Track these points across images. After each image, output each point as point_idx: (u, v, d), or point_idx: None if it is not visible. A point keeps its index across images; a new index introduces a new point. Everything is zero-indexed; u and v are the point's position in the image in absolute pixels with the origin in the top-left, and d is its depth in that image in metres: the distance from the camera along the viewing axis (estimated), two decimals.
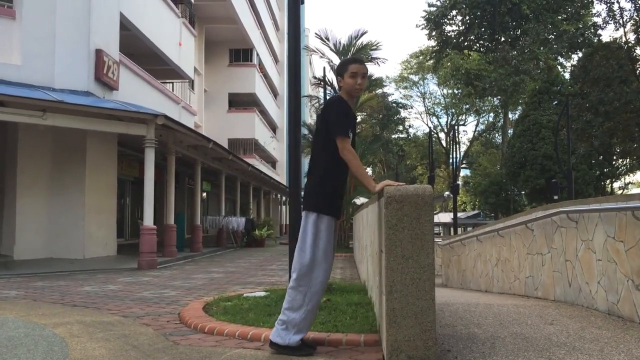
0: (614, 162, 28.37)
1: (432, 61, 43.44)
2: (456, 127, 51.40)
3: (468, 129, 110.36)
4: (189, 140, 14.37)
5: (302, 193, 3.67)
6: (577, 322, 4.38)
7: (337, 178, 3.47)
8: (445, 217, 47.51)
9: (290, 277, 3.51)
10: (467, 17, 39.33)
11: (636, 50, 25.58)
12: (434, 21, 39.97)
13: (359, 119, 25.91)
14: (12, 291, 6.94)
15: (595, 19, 35.00)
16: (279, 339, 3.38)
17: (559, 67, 35.77)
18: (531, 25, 34.67)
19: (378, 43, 20.67)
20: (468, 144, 53.72)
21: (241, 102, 29.79)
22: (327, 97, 22.89)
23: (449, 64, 38.81)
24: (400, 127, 50.43)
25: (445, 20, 40.33)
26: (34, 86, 11.43)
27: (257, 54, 29.68)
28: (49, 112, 10.22)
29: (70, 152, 12.60)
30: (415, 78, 52.62)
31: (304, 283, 3.38)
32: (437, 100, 52.66)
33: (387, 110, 43.32)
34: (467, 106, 47.19)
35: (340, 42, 20.70)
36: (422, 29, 41.16)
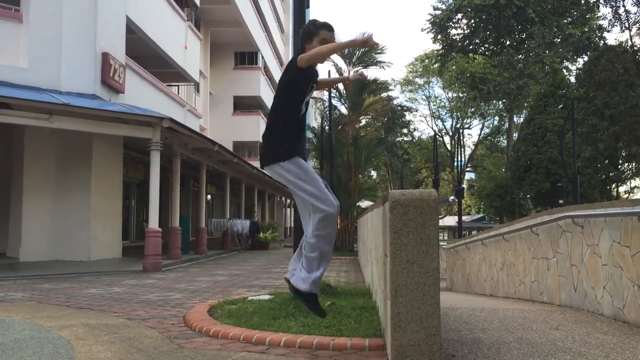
0: (619, 166, 28.27)
1: (437, 64, 43.43)
2: (461, 131, 51.37)
3: (473, 133, 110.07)
4: (194, 143, 14.41)
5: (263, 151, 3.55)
6: (582, 327, 4.37)
7: (288, 121, 3.49)
8: (450, 221, 47.45)
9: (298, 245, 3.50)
10: (472, 21, 39.34)
11: None
12: (439, 24, 40.01)
13: (363, 122, 25.85)
14: (18, 293, 6.97)
15: (600, 22, 35.02)
16: (306, 286, 3.40)
17: (565, 70, 35.69)
18: (537, 28, 34.62)
19: (383, 47, 20.72)
20: (473, 147, 53.62)
21: (246, 104, 29.85)
22: (332, 101, 22.90)
23: (454, 67, 38.81)
24: (405, 130, 50.39)
25: (451, 23, 40.37)
26: (41, 89, 11.49)
27: (262, 57, 29.76)
28: (55, 114, 10.28)
29: (76, 154, 12.66)
30: (420, 81, 52.56)
31: (324, 225, 3.30)
32: (442, 104, 52.58)
33: (392, 113, 43.30)
34: (472, 109, 47.12)
35: None
36: (428, 32, 41.24)
